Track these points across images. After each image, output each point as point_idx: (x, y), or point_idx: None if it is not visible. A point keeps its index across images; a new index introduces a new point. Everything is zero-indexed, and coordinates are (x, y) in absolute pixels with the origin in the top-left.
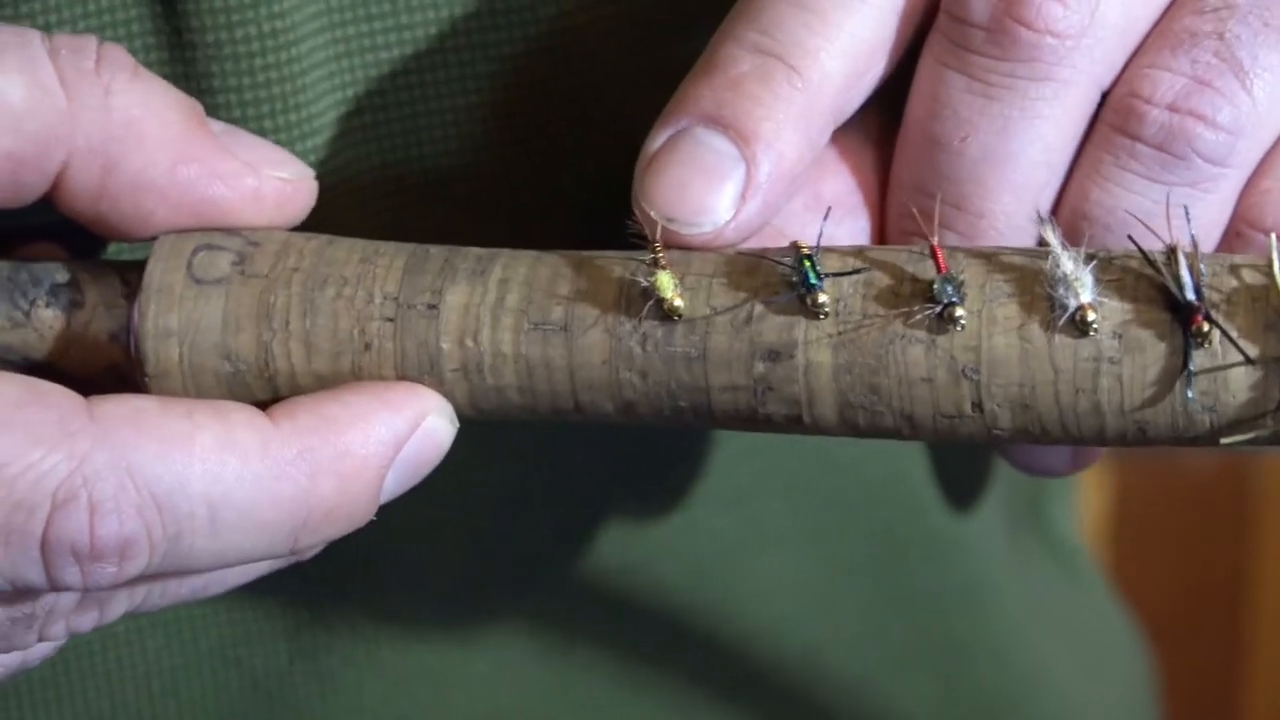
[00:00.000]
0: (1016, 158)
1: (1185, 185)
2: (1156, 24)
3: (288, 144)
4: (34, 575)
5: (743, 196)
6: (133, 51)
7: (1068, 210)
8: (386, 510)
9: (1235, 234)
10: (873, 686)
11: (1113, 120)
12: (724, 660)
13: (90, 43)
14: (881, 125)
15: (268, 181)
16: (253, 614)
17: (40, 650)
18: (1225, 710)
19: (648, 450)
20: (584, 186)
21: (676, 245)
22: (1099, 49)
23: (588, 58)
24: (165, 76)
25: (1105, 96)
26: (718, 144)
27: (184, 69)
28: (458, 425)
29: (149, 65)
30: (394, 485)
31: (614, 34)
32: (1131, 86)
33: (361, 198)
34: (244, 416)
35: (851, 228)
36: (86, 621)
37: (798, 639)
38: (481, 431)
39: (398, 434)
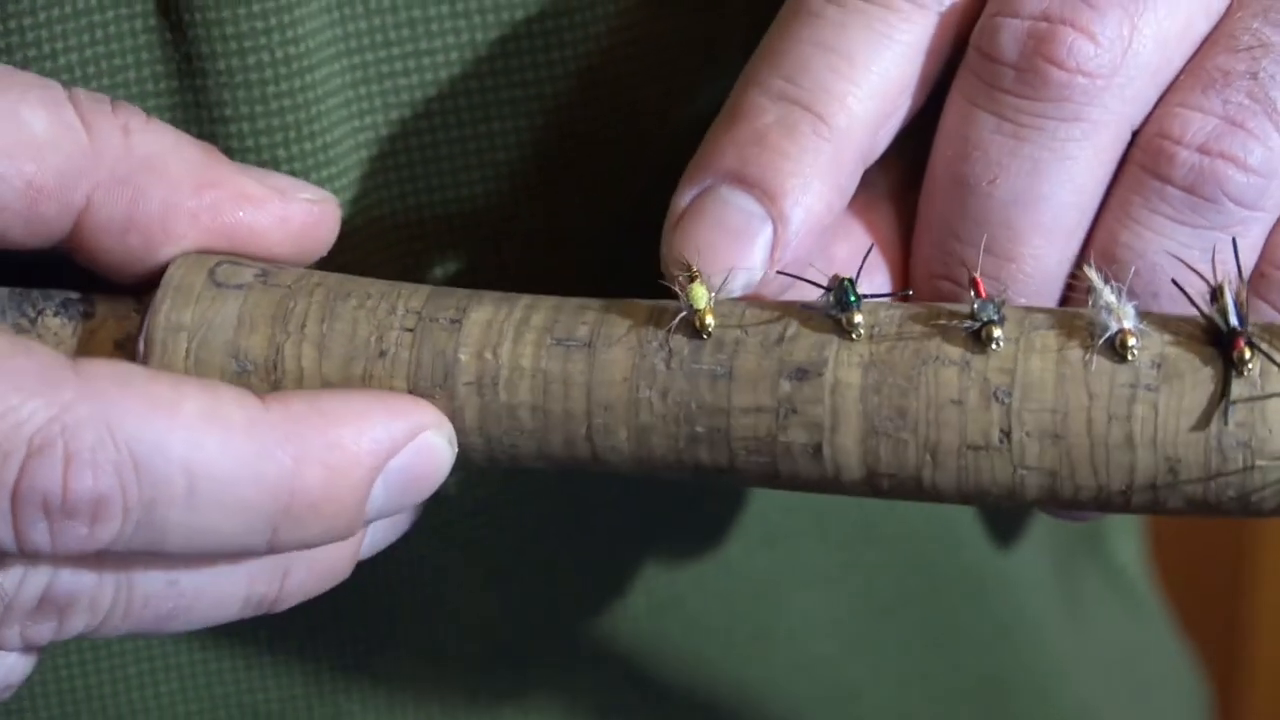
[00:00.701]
0: (1047, 200)
1: (1215, 229)
2: (1189, 61)
3: (302, 173)
4: (1, 531)
5: (771, 256)
6: (142, 80)
7: (1097, 252)
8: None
9: (1260, 275)
10: None
11: (1142, 161)
12: (760, 702)
13: (103, 97)
14: (896, 178)
15: (295, 203)
16: (270, 660)
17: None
18: (1225, 710)
19: (679, 487)
20: (609, 214)
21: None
22: (1130, 88)
23: (613, 82)
24: (175, 105)
25: (1135, 135)
26: (744, 203)
27: (195, 97)
28: (456, 449)
29: (159, 93)
30: (383, 497)
31: (638, 58)
32: (1161, 126)
33: (379, 228)
34: (233, 394)
35: (872, 284)
36: (44, 631)
37: (835, 680)
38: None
39: (393, 438)
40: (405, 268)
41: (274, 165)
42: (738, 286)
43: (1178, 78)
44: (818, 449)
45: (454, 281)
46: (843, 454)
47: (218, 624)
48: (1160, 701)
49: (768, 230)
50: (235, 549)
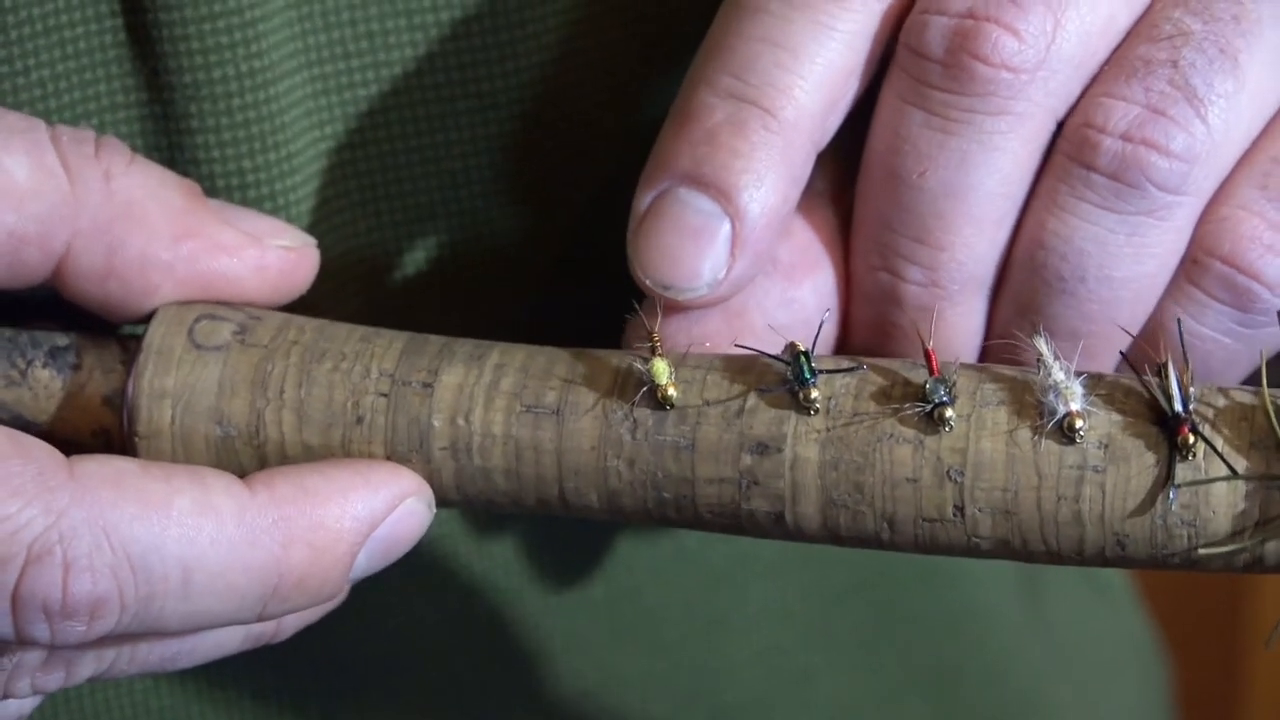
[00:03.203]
0: (975, 190)
1: (1141, 214)
2: (1113, 53)
3: (266, 182)
4: (2, 627)
5: (732, 254)
6: (112, 93)
7: (1026, 240)
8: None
9: (1192, 261)
10: (866, 712)
11: (1067, 150)
12: (717, 690)
13: (89, 134)
14: (834, 176)
15: (271, 251)
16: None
17: (8, 710)
18: (1225, 710)
19: None
20: (567, 219)
21: (677, 309)
22: (1054, 80)
23: (566, 91)
24: (145, 117)
25: (1061, 125)
26: (701, 204)
27: (163, 109)
28: (435, 510)
29: (128, 105)
30: (366, 564)
31: (592, 67)
32: (1085, 116)
33: (341, 235)
34: (222, 483)
35: (816, 281)
36: (52, 681)
37: (789, 667)
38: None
39: (374, 513)
40: (365, 272)
41: (240, 175)
42: (703, 285)
43: (1101, 69)
44: (780, 517)
45: (412, 286)
46: (804, 520)
47: (223, 657)
48: (1121, 684)
49: (726, 227)
50: (227, 624)
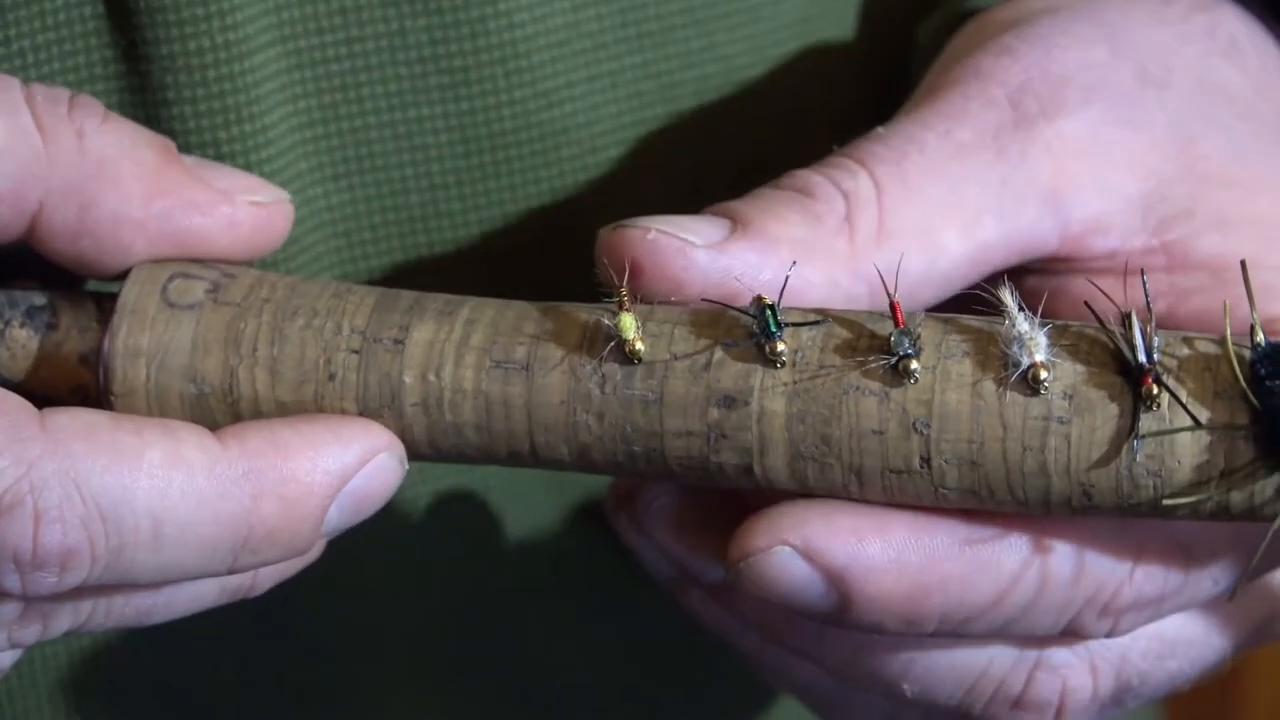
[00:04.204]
0: None
1: None
2: None
3: (241, 154)
4: None
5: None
6: (91, 64)
7: None
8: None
9: None
10: None
11: None
12: None
13: (64, 92)
14: None
15: (243, 208)
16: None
17: None
18: (1225, 710)
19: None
20: (537, 194)
21: (645, 296)
22: None
23: (537, 69)
24: (123, 89)
25: None
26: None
27: (140, 81)
28: (407, 466)
29: (107, 77)
30: (337, 519)
31: (563, 45)
32: None
33: (314, 207)
34: (193, 436)
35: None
36: (29, 634)
37: None
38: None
39: (345, 467)
40: (339, 245)
41: (215, 146)
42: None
43: None
44: (748, 469)
45: (384, 259)
46: (773, 472)
47: (200, 611)
48: None
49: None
50: (198, 575)
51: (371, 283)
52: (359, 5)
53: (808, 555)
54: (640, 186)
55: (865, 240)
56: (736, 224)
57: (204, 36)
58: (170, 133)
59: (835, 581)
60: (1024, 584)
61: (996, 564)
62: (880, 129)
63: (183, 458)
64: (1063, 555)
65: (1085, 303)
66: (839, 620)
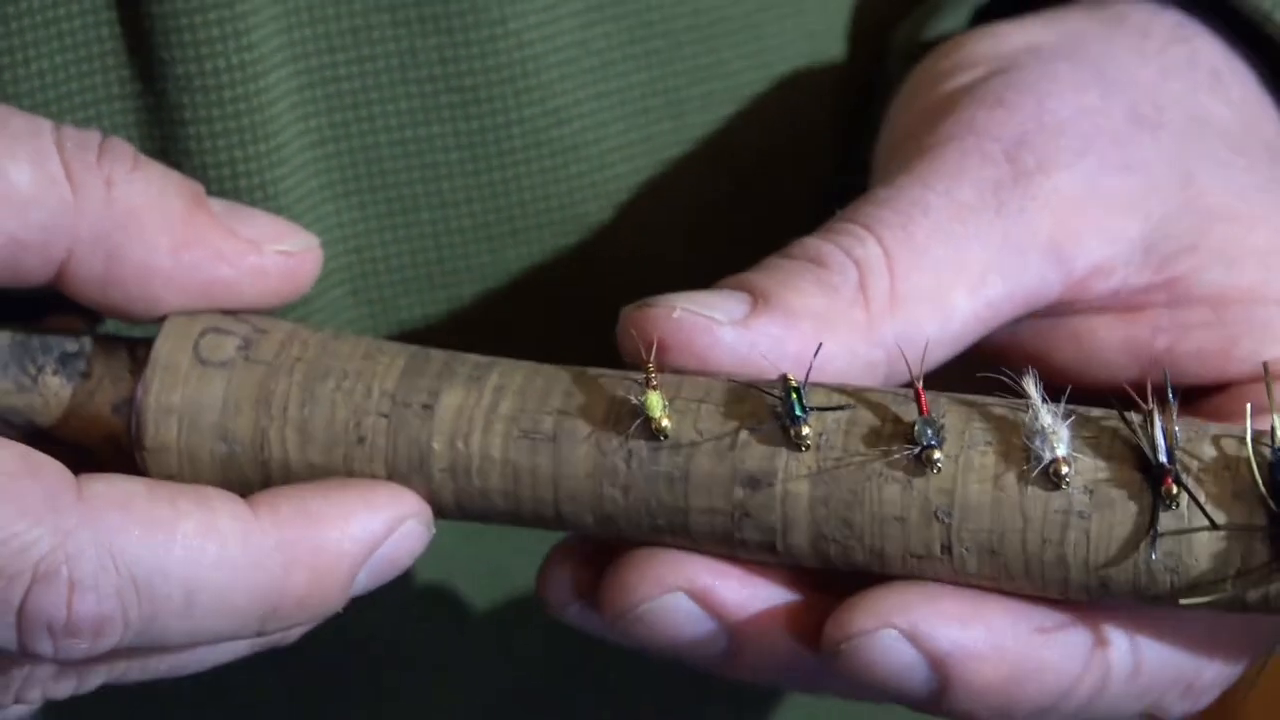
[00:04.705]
0: None
1: None
2: None
3: (256, 172)
4: (6, 640)
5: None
6: (106, 84)
7: None
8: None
9: None
10: None
11: None
12: None
13: (94, 136)
14: None
15: (270, 257)
16: None
17: (14, 712)
18: (1225, 710)
19: None
20: (547, 210)
21: (671, 369)
22: None
23: (546, 87)
24: (139, 108)
25: None
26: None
27: (156, 100)
28: (434, 530)
29: (124, 96)
30: (365, 582)
31: (572, 63)
32: None
33: (327, 225)
34: (227, 505)
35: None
36: (63, 689)
37: None
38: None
39: (374, 535)
40: (351, 262)
41: (230, 165)
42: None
43: None
44: (771, 546)
45: (395, 276)
46: (796, 550)
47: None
48: None
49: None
50: (226, 640)
51: (383, 300)
52: (370, 25)
53: (914, 639)
54: (648, 201)
55: (879, 309)
56: (756, 298)
57: (220, 57)
58: (186, 153)
59: (937, 667)
60: (1118, 669)
61: (1086, 650)
62: (881, 191)
63: (216, 528)
64: (1152, 648)
65: (1111, 400)
66: (932, 706)
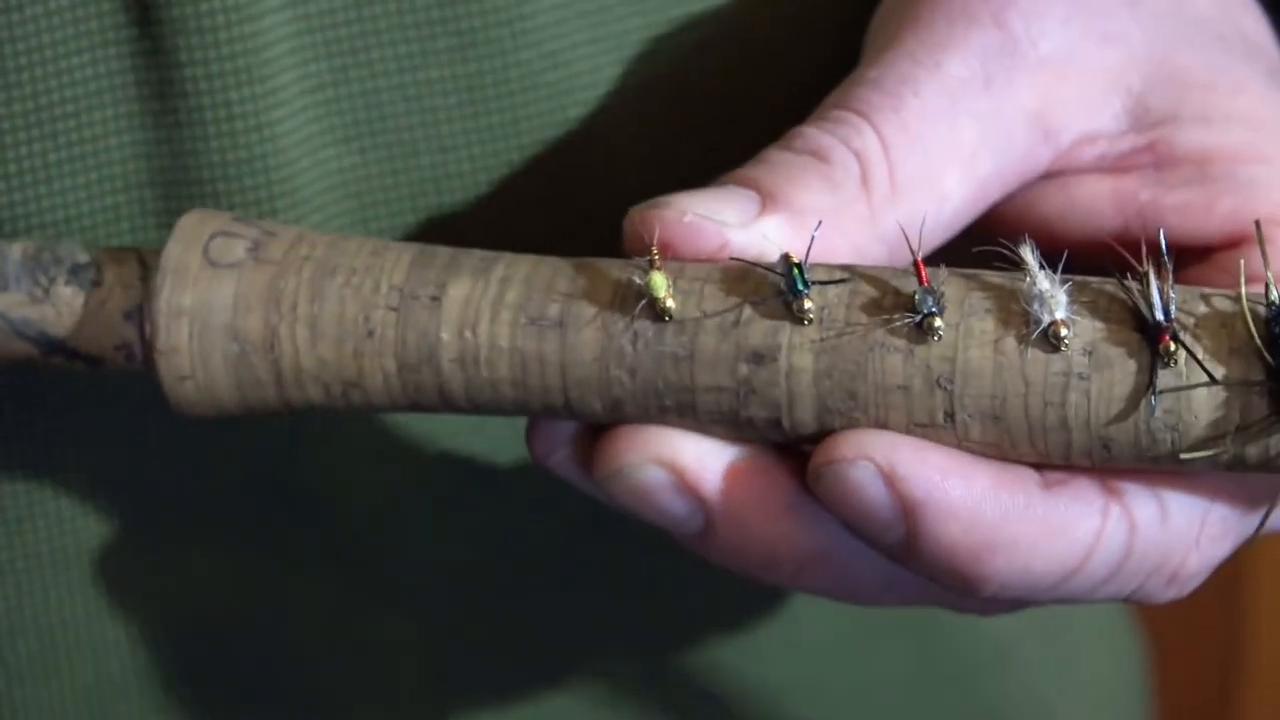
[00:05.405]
0: None
1: None
2: None
3: (253, 114)
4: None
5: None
6: (101, 30)
7: None
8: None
9: None
10: (851, 650)
11: None
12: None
13: None
14: None
15: None
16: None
17: None
18: (1225, 711)
19: None
20: (547, 153)
21: (675, 256)
22: None
23: (542, 29)
24: (133, 53)
25: None
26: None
27: (152, 44)
28: None
29: (116, 42)
30: None
31: (567, 5)
32: None
33: (326, 169)
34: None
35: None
36: None
37: (775, 608)
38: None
39: None
40: (352, 206)
41: (226, 107)
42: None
43: None
44: (777, 423)
45: (397, 220)
46: (801, 426)
47: None
48: (1093, 648)
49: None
50: None
51: None
52: None
53: (889, 479)
54: (647, 146)
55: (881, 200)
56: (764, 197)
57: None
58: (182, 95)
59: (907, 514)
60: (1104, 547)
61: (1070, 528)
62: (870, 70)
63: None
64: (1144, 501)
65: (1108, 270)
66: (896, 556)
